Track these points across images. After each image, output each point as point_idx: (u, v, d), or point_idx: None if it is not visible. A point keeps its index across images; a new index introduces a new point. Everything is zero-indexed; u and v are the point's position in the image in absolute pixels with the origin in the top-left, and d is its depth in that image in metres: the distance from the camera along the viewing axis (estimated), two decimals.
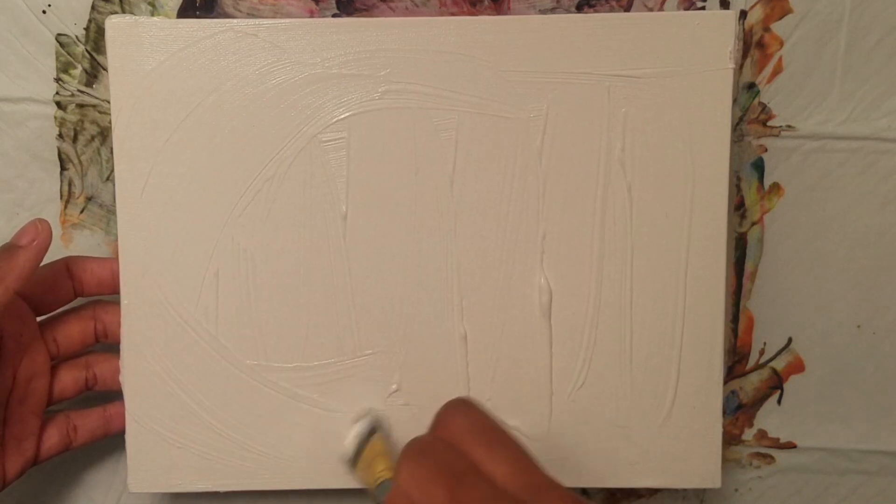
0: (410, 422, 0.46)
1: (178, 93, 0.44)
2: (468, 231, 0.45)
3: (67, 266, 0.45)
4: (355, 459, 0.43)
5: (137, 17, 0.44)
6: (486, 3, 0.47)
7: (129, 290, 0.45)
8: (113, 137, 0.44)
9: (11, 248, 0.42)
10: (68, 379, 0.46)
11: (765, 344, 0.50)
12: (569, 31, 0.44)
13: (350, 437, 0.44)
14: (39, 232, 0.42)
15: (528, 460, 0.34)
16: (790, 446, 0.51)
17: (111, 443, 0.47)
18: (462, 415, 0.35)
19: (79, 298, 0.46)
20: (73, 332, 0.46)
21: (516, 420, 0.46)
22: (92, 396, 0.47)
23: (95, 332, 0.46)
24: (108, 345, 0.46)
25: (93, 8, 0.47)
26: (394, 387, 0.46)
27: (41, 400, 0.45)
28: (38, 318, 0.45)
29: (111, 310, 0.46)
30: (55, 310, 0.46)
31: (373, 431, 0.44)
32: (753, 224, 0.49)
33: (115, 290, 0.45)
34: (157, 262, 0.45)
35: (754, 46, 0.47)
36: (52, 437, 0.45)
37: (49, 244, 0.42)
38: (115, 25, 0.44)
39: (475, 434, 0.34)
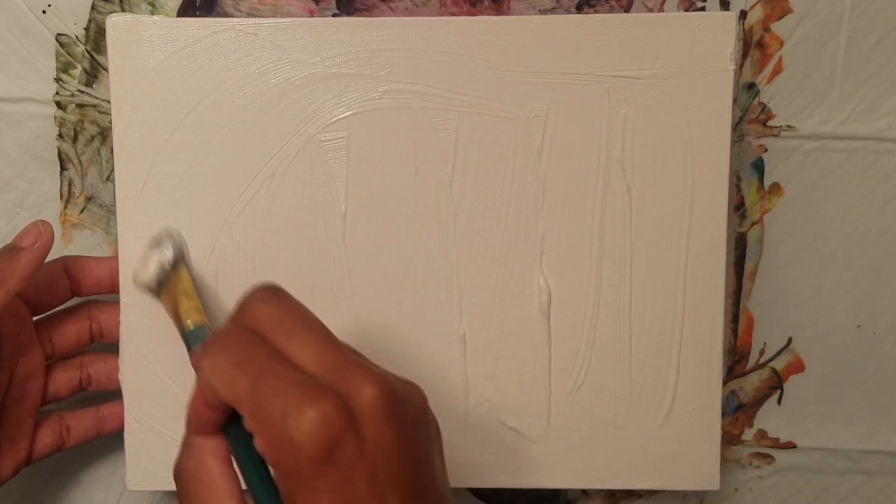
0: None
1: (178, 92, 0.44)
2: (467, 231, 0.45)
3: (65, 266, 0.45)
4: (159, 288, 0.42)
5: (138, 16, 0.44)
6: (486, 3, 0.47)
7: (129, 288, 0.45)
8: (113, 136, 0.44)
9: (13, 249, 0.42)
10: (62, 379, 0.45)
11: (765, 344, 0.50)
12: (569, 32, 0.44)
13: (152, 262, 0.43)
14: (42, 234, 0.42)
15: (334, 342, 0.33)
16: (790, 446, 0.51)
17: (111, 441, 0.47)
18: (265, 303, 0.33)
19: (75, 298, 0.46)
20: (68, 332, 0.45)
21: (515, 420, 0.46)
22: (86, 396, 0.47)
23: (91, 332, 0.46)
24: (102, 345, 0.46)
25: (93, 8, 0.47)
26: None
27: (35, 400, 0.44)
28: (34, 318, 0.45)
29: (107, 309, 0.46)
30: (51, 309, 0.45)
31: (176, 261, 0.43)
32: (753, 224, 0.49)
33: (113, 290, 0.45)
34: None
35: (754, 46, 0.47)
36: (45, 438, 0.45)
37: (51, 246, 0.43)
38: (116, 24, 0.44)
39: (279, 321, 0.33)
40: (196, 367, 0.34)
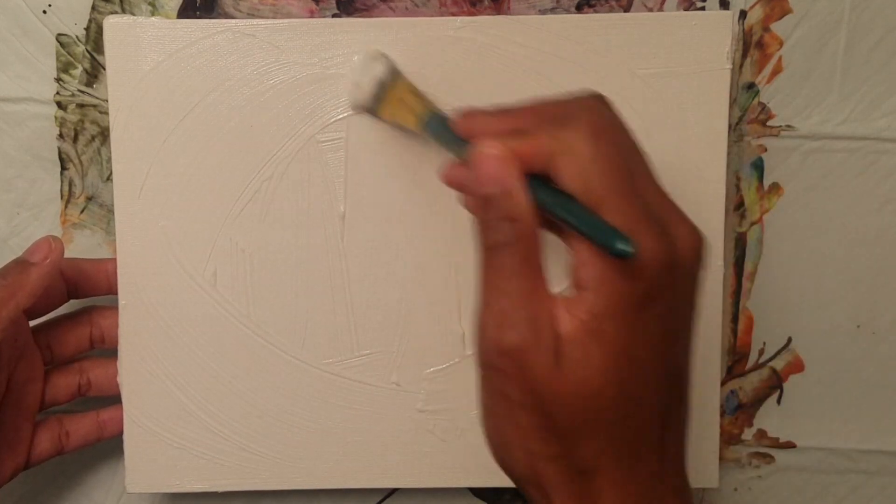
0: (406, 422, 0.46)
1: (176, 93, 0.44)
2: (466, 231, 0.45)
3: (61, 269, 0.44)
4: (376, 104, 0.42)
5: (136, 18, 0.44)
6: (486, 3, 0.47)
7: (127, 290, 0.45)
8: (111, 138, 0.44)
9: (24, 263, 0.42)
10: (62, 384, 0.45)
11: (764, 344, 0.50)
12: (568, 32, 0.44)
13: (365, 78, 0.42)
14: (53, 249, 0.42)
15: None
16: (790, 446, 0.51)
17: (112, 443, 0.47)
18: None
19: (72, 301, 0.46)
20: (68, 338, 0.45)
21: None
22: (87, 400, 0.47)
23: (91, 338, 0.46)
24: (104, 350, 0.46)
25: (93, 8, 0.47)
26: (392, 387, 0.46)
27: (34, 405, 0.44)
28: (32, 322, 0.45)
29: (109, 315, 0.46)
30: (47, 313, 0.45)
31: (390, 74, 0.42)
32: (753, 224, 0.49)
33: (111, 292, 0.45)
34: (154, 262, 0.45)
35: (754, 46, 0.47)
36: (44, 443, 0.45)
37: (61, 261, 0.43)
38: (114, 26, 0.44)
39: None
40: None
